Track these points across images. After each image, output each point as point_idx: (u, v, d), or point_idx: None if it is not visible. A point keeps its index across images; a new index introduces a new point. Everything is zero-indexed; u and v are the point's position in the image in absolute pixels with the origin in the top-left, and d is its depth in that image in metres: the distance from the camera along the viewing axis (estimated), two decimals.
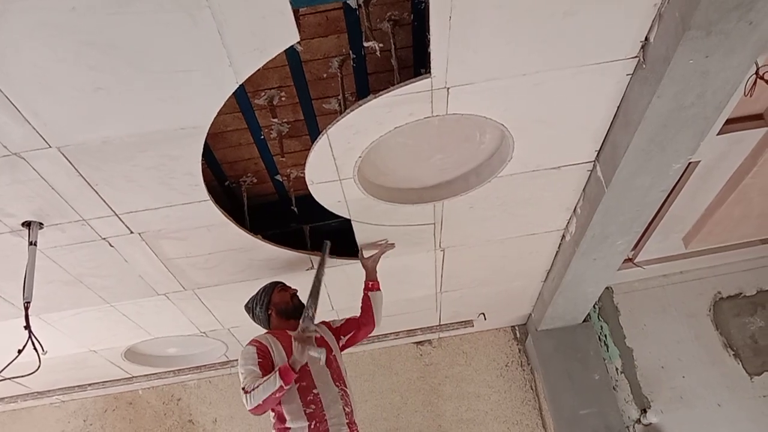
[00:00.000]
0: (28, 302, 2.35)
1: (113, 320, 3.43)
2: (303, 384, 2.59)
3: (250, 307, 2.87)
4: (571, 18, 1.90)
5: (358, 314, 3.03)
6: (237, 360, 4.30)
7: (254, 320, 2.87)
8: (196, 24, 1.69)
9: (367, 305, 3.01)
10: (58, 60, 1.72)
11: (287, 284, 2.91)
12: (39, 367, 2.35)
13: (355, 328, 2.97)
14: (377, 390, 4.64)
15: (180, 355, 4.34)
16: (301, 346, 2.44)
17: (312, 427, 2.52)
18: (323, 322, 2.98)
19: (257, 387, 2.43)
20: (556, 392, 4.26)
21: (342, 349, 2.91)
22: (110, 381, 4.43)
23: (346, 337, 2.94)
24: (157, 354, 4.25)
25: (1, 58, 1.68)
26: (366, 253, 3.14)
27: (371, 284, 3.04)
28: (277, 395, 2.44)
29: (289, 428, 2.54)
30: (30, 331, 2.31)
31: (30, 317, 2.34)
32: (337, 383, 2.67)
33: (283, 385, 2.43)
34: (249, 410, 2.49)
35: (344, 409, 2.62)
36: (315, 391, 2.59)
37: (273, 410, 2.59)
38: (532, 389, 4.57)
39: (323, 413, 2.55)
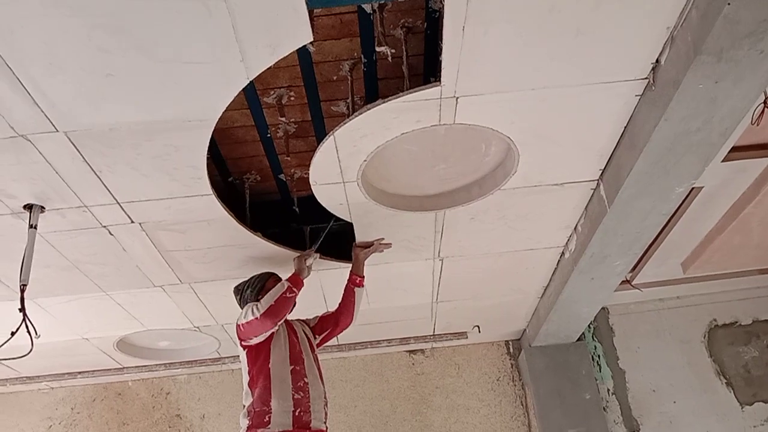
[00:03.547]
0: (25, 285, 2.36)
1: (107, 309, 3.42)
2: (296, 368, 2.61)
3: (240, 289, 2.84)
4: (583, 36, 1.91)
5: (334, 309, 2.99)
6: (229, 357, 4.38)
7: (240, 303, 2.83)
8: (210, 15, 1.70)
9: (349, 300, 2.94)
10: (69, 41, 1.73)
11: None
12: (31, 350, 2.35)
13: (333, 326, 2.95)
14: (367, 396, 4.62)
15: (172, 349, 4.33)
16: (300, 258, 2.75)
17: (296, 414, 2.51)
18: (303, 320, 2.98)
19: (264, 297, 2.55)
20: (546, 409, 4.24)
21: (317, 346, 2.90)
22: (100, 370, 4.42)
23: (321, 336, 2.94)
24: (149, 346, 4.24)
25: (11, 35, 1.69)
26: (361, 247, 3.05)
27: (359, 280, 2.96)
28: (287, 295, 2.54)
29: (271, 410, 2.50)
30: (25, 314, 2.30)
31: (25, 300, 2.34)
32: (322, 382, 2.70)
33: (291, 286, 2.55)
34: (256, 318, 2.50)
35: (324, 410, 2.64)
36: (306, 380, 2.61)
37: (256, 387, 2.55)
38: (522, 405, 4.55)
39: (309, 404, 2.56)
